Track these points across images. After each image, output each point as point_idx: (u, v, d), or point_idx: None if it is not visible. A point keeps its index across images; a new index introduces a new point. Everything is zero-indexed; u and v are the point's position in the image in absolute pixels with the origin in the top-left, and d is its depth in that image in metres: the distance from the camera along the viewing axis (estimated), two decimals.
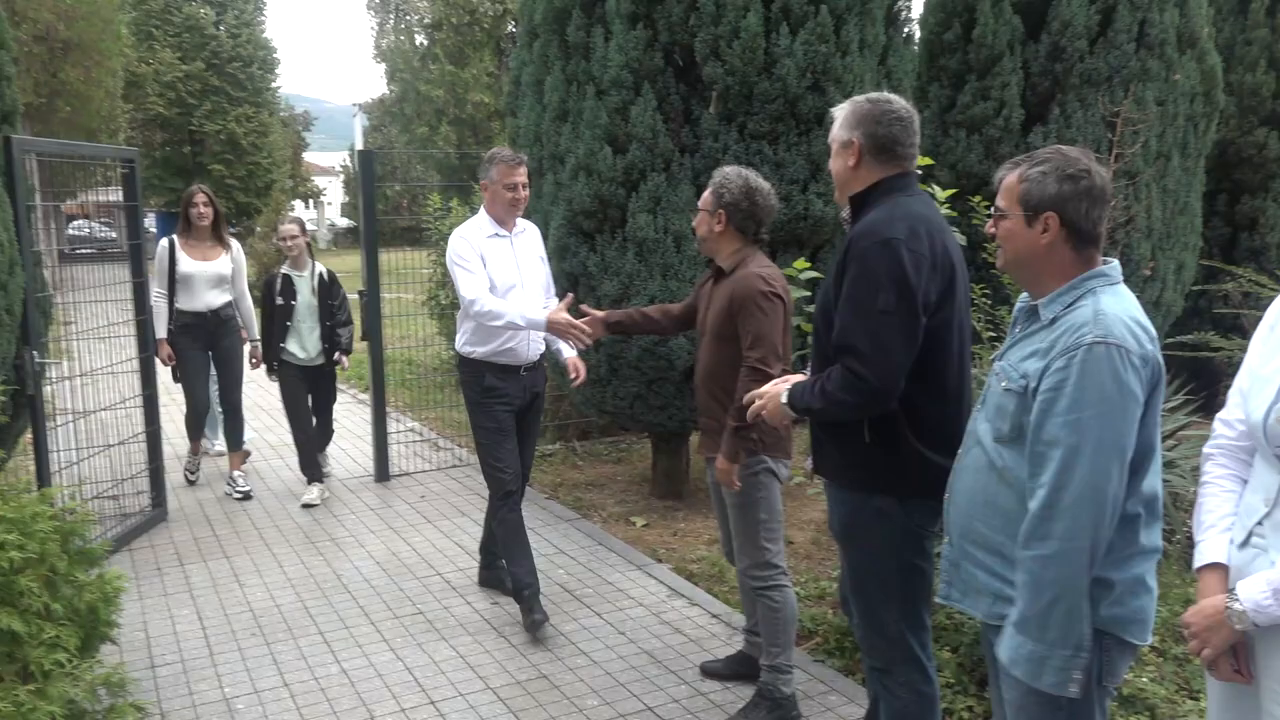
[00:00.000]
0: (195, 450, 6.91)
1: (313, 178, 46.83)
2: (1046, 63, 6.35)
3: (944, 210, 4.37)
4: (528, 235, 4.57)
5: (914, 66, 6.11)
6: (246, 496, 6.49)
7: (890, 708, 2.83)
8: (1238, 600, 1.87)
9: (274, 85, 35.91)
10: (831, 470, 2.80)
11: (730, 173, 3.55)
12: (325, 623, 4.55)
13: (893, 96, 2.68)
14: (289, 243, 6.20)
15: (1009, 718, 2.20)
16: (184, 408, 6.68)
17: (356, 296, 6.84)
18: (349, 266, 8.74)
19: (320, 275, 6.29)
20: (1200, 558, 2.04)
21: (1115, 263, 2.13)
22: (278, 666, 4.11)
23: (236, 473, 6.63)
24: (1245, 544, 1.95)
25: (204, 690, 3.91)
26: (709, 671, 3.98)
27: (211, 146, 33.60)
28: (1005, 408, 2.12)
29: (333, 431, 6.88)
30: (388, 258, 7.53)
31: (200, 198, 6.36)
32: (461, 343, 4.44)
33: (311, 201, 48.21)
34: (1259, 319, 2.13)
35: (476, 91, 33.28)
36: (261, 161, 34.21)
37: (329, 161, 56.72)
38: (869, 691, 3.17)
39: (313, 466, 6.48)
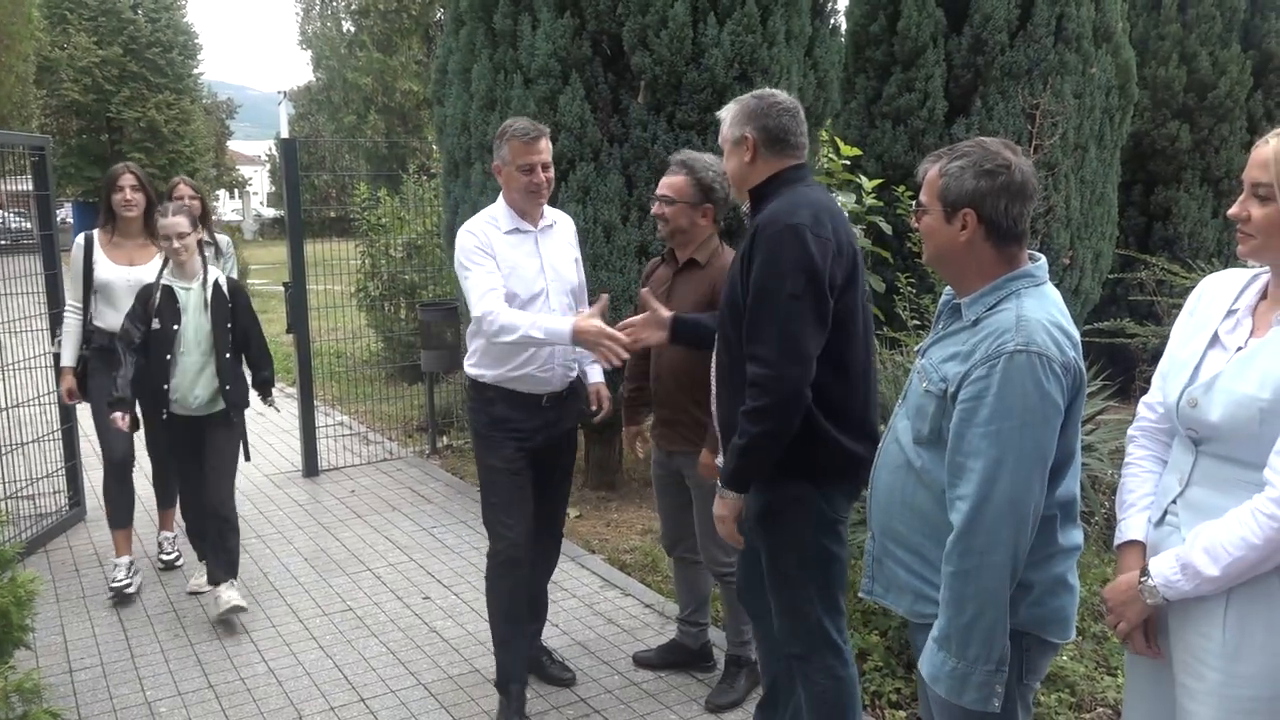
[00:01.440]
0: (169, 523, 5.20)
1: (237, 167, 45.77)
2: (969, 55, 6.47)
3: (870, 200, 4.44)
4: (559, 230, 3.62)
5: (840, 58, 6.17)
6: (170, 566, 5.10)
7: (810, 694, 2.86)
8: (1150, 576, 1.92)
9: (196, 71, 35.02)
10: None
11: (712, 162, 3.46)
12: (251, 622, 4.46)
13: (777, 91, 2.76)
14: (176, 244, 4.33)
15: (935, 715, 2.22)
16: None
17: (281, 289, 6.70)
18: (275, 257, 8.57)
19: (216, 286, 4.46)
20: (1120, 535, 2.09)
21: (1042, 261, 2.11)
22: (202, 667, 4.02)
23: (165, 534, 5.19)
24: (1161, 522, 2.01)
25: (125, 694, 3.81)
26: (642, 661, 3.99)
27: (131, 134, 32.65)
28: (925, 409, 2.10)
29: (232, 520, 4.54)
30: (315, 248, 7.39)
31: (127, 180, 4.81)
32: (470, 363, 3.56)
33: (237, 191, 47.14)
34: (1172, 305, 2.18)
35: (405, 79, 32.83)
36: (184, 150, 33.32)
37: (254, 150, 55.50)
38: (764, 678, 3.24)
39: (216, 557, 4.51)
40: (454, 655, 4.11)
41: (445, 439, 7.56)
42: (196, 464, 4.52)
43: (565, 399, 3.59)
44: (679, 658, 3.95)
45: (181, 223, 4.34)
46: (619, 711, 3.63)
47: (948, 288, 2.26)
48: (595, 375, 3.78)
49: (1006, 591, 1.97)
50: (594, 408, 3.75)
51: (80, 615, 4.53)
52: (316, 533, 5.66)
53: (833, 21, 6.02)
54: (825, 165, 4.79)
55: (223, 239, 5.34)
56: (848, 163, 4.54)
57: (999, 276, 2.06)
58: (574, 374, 3.61)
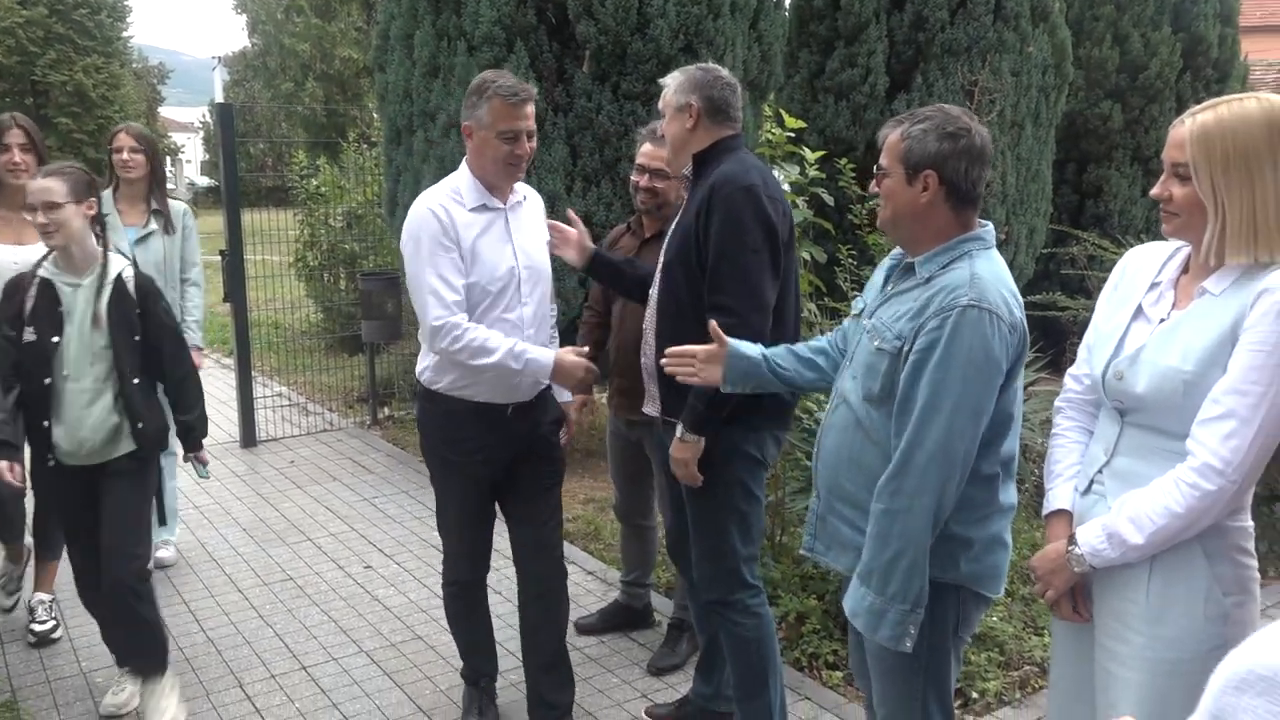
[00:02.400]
0: (18, 555, 4.14)
1: (169, 134, 44.58)
2: (910, 32, 6.54)
3: (813, 172, 4.48)
4: (529, 207, 3.10)
5: (784, 31, 6.21)
6: (44, 640, 3.88)
7: (733, 636, 2.97)
8: (1077, 545, 1.96)
9: (125, 35, 33.90)
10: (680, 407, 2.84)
11: None
12: (190, 592, 4.41)
13: (718, 66, 2.92)
14: (42, 218, 3.07)
15: (870, 666, 2.30)
16: None
17: (219, 257, 6.58)
18: (211, 227, 8.37)
19: (119, 284, 3.21)
20: (1049, 504, 2.14)
21: (989, 226, 2.18)
22: None
23: (41, 596, 3.97)
24: (1087, 491, 2.05)
25: (59, 665, 3.76)
26: (583, 628, 4.04)
27: (57, 99, 31.53)
28: (876, 367, 2.15)
29: (142, 593, 3.30)
30: (252, 217, 7.25)
31: (14, 136, 3.83)
32: (420, 366, 3.05)
33: (169, 159, 45.95)
34: (1102, 280, 2.23)
35: (344, 47, 32.19)
36: (113, 115, 32.21)
37: (187, 117, 54.06)
38: (701, 637, 3.35)
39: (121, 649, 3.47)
40: (396, 623, 4.12)
41: (386, 410, 7.51)
42: (90, 528, 3.26)
43: (534, 407, 3.09)
44: (621, 620, 4.01)
45: (52, 188, 3.05)
46: None
47: (890, 253, 2.33)
48: (563, 395, 3.29)
49: (929, 535, 2.05)
50: (562, 434, 3.28)
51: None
52: (255, 503, 5.60)
53: None
54: (769, 137, 4.81)
55: (177, 207, 4.41)
56: (792, 135, 4.57)
57: (953, 238, 2.13)
58: (545, 382, 3.09)
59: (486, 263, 2.89)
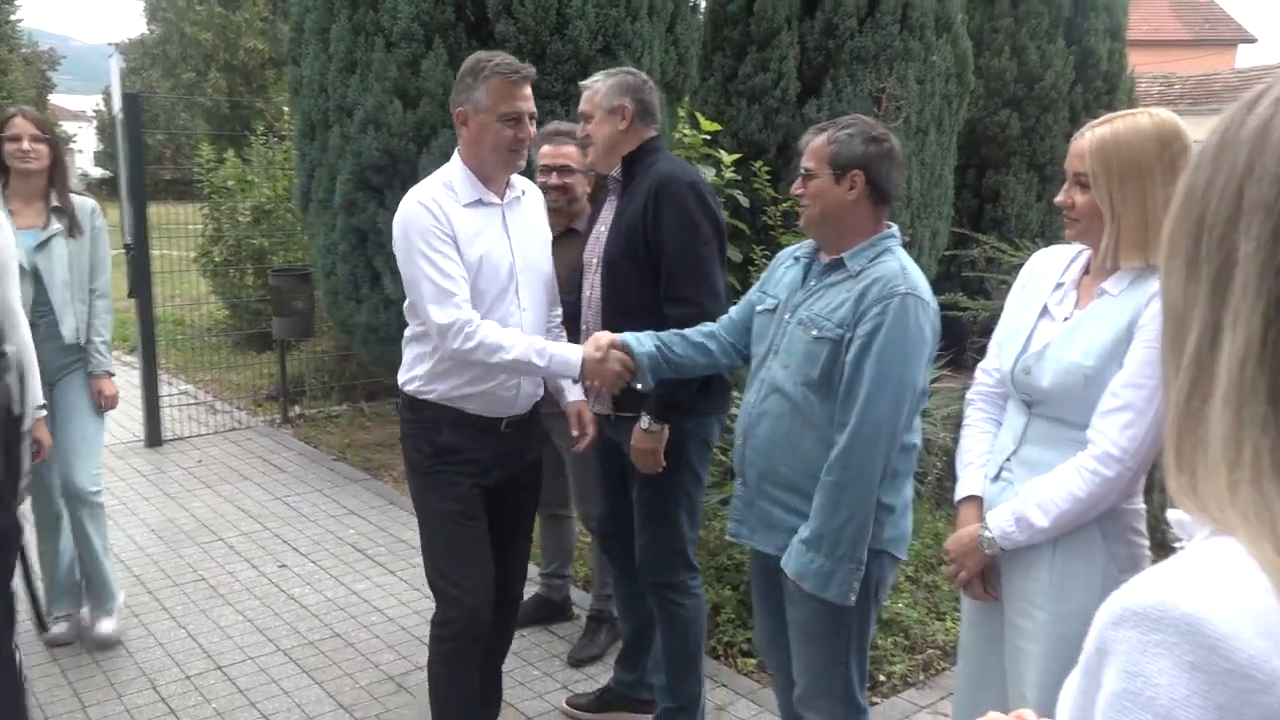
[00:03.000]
0: None
1: (61, 123, 42.80)
2: (820, 39, 6.72)
3: (729, 174, 4.60)
4: (528, 202, 2.86)
5: (699, 35, 6.33)
6: None
7: (674, 617, 3.08)
8: (988, 528, 2.10)
9: (14, 18, 32.43)
10: (640, 401, 2.92)
11: None
12: None
13: (640, 71, 3.08)
14: None
15: (796, 638, 2.43)
16: None
17: (123, 251, 6.41)
18: (108, 220, 8.12)
19: None
20: (960, 491, 2.27)
21: (895, 226, 2.43)
22: (43, 641, 3.87)
23: None
24: (997, 478, 2.18)
25: None
26: None
27: None
28: (816, 355, 2.32)
29: None
30: (152, 211, 7.07)
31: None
32: (407, 374, 2.76)
33: None
34: (1000, 281, 2.41)
35: (249, 37, 31.34)
36: (1, 102, 30.95)
37: (79, 105, 51.95)
38: (625, 628, 3.45)
39: None
40: (314, 621, 4.09)
41: (298, 408, 7.40)
42: None
43: (528, 423, 2.87)
44: (541, 613, 4.06)
45: None
46: None
47: (789, 252, 2.56)
48: (574, 393, 2.98)
49: (874, 500, 2.26)
50: (575, 432, 2.97)
51: None
52: (163, 503, 5.48)
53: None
54: (685, 139, 4.91)
55: (84, 204, 3.81)
56: (707, 137, 4.69)
57: (874, 234, 2.37)
58: (540, 392, 2.91)
59: (482, 264, 2.63)
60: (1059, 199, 2.09)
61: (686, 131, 4.99)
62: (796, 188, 2.41)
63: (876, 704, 3.44)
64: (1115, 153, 1.95)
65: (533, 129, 2.69)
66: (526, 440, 2.89)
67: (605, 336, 2.63)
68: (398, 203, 5.17)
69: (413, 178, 5.30)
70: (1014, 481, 2.13)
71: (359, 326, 5.74)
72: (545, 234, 2.92)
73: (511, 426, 2.80)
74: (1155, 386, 1.89)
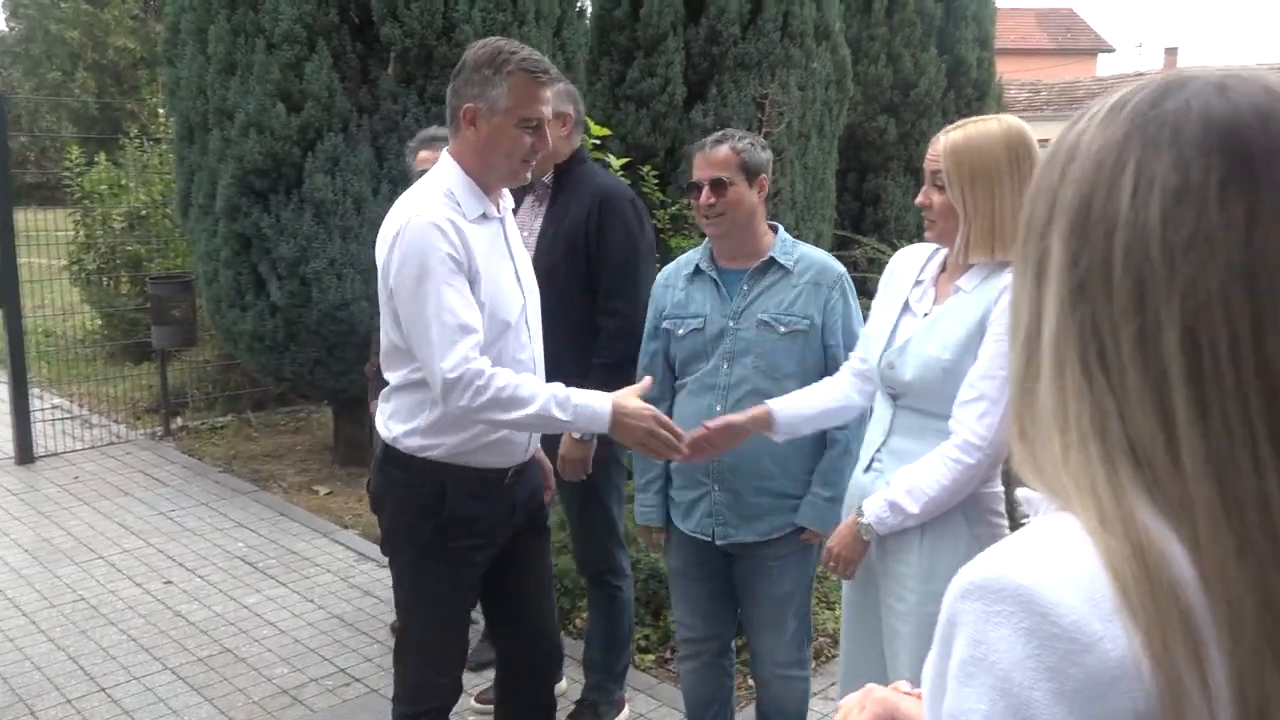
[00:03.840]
0: None
1: None
2: (705, 45, 6.85)
3: (620, 177, 4.66)
4: (509, 214, 2.52)
5: (586, 40, 6.39)
6: None
7: (614, 600, 3.27)
8: (864, 516, 2.20)
9: None
10: None
11: None
12: None
13: None
14: None
15: (774, 613, 2.71)
16: None
17: None
18: None
19: None
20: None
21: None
22: None
23: None
24: (868, 469, 2.30)
25: None
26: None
27: None
28: (790, 348, 2.54)
29: None
30: (18, 217, 6.75)
31: None
32: (403, 429, 2.32)
33: None
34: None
35: (119, 35, 30.07)
36: None
37: None
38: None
39: None
40: (203, 638, 3.99)
41: (180, 419, 7.17)
42: None
43: (529, 469, 2.53)
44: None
45: None
46: (380, 678, 3.68)
47: (689, 273, 2.67)
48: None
49: None
50: (552, 486, 2.70)
51: None
52: (37, 522, 5.25)
53: (579, 4, 6.21)
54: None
55: None
56: (597, 142, 4.74)
57: (772, 233, 2.63)
58: (594, 434, 2.68)
59: (497, 288, 2.29)
60: (919, 199, 2.22)
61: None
62: (706, 198, 2.52)
63: None
64: (967, 155, 2.06)
65: (549, 142, 2.35)
66: (532, 487, 2.55)
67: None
68: (284, 209, 5.23)
69: (298, 182, 5.23)
70: (884, 471, 2.24)
71: (244, 334, 5.60)
72: (526, 249, 2.60)
73: (515, 475, 2.42)
74: (1007, 376, 2.00)
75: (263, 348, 5.59)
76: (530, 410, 2.17)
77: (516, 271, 2.39)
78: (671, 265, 2.79)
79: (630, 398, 2.27)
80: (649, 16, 6.75)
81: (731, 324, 2.59)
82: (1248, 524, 0.66)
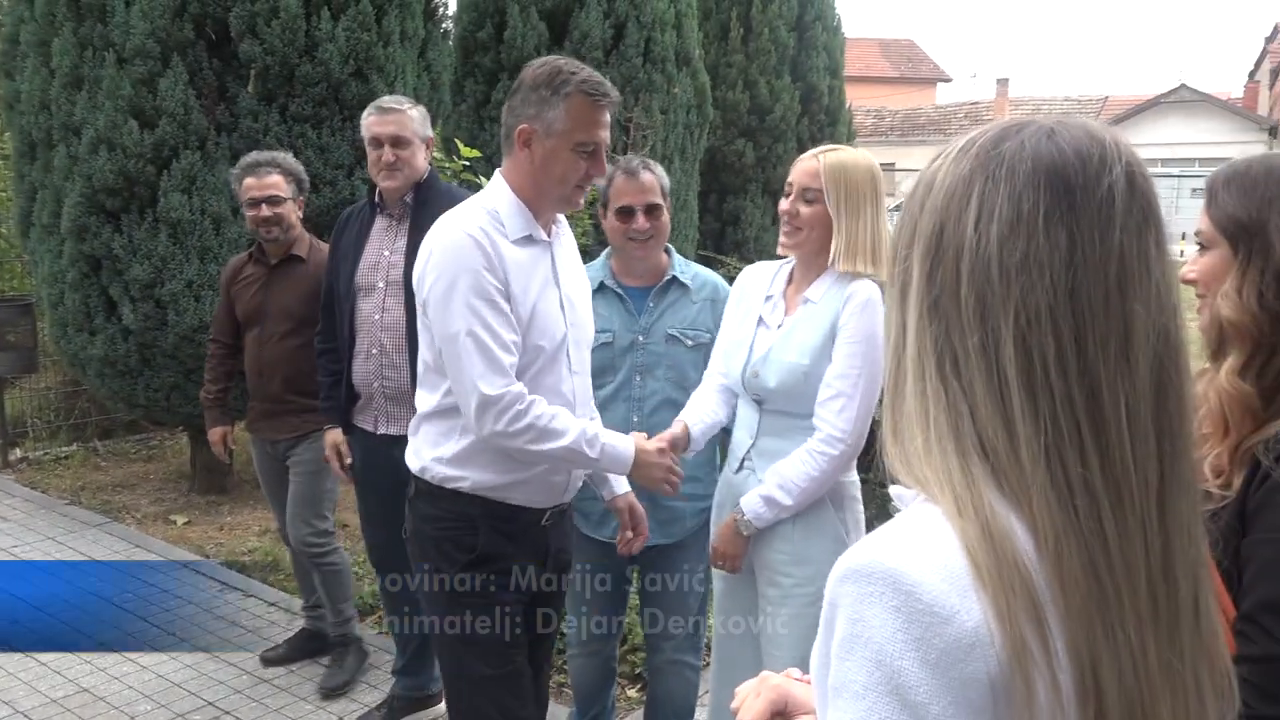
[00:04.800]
0: None
1: None
2: None
3: None
4: (567, 241, 2.41)
5: (451, 61, 6.40)
6: None
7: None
8: (743, 512, 2.39)
9: None
10: None
11: (284, 157, 3.66)
12: None
13: None
14: None
15: (688, 602, 2.87)
16: None
17: None
18: None
19: None
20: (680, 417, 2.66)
21: None
22: None
23: None
24: (740, 469, 2.50)
25: None
26: (270, 659, 3.95)
27: None
28: (696, 360, 2.74)
29: None
30: None
31: None
32: (430, 455, 2.24)
33: None
34: None
35: None
36: None
37: None
38: (401, 639, 3.52)
39: None
40: (57, 678, 3.80)
41: (19, 450, 6.76)
42: None
43: (566, 514, 2.43)
44: (312, 645, 3.97)
45: None
46: (251, 709, 3.59)
47: (597, 280, 2.79)
48: (620, 485, 2.48)
49: None
50: (629, 532, 2.49)
51: None
52: None
53: (444, 26, 6.22)
54: (443, 166, 4.97)
55: None
56: (467, 164, 4.76)
57: (665, 254, 2.84)
58: (617, 476, 2.43)
59: (534, 318, 2.18)
60: (784, 207, 2.44)
61: (442, 158, 5.05)
62: (644, 222, 2.69)
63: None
64: (844, 176, 2.34)
65: (605, 165, 2.26)
66: (565, 531, 2.44)
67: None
68: (137, 229, 5.05)
69: (152, 201, 5.06)
70: (756, 470, 2.44)
71: (93, 359, 5.36)
72: (586, 280, 2.49)
73: (553, 518, 2.33)
74: (859, 373, 2.27)
75: (114, 373, 5.36)
76: (562, 443, 2.11)
77: (562, 300, 2.27)
78: None
79: (648, 443, 2.27)
80: (513, 39, 6.82)
81: (641, 338, 2.76)
82: (1076, 506, 0.78)
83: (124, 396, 5.52)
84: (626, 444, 2.23)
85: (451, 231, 2.13)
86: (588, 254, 3.76)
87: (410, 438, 2.31)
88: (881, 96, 32.55)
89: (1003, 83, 32.89)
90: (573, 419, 2.17)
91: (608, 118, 2.17)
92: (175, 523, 5.58)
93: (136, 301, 5.13)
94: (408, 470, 2.72)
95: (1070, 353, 0.79)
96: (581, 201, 2.27)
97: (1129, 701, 0.78)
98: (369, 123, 3.11)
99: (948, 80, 38.87)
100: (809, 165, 2.38)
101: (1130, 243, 0.81)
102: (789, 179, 2.43)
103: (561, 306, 2.26)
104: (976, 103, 32.56)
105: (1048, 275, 0.79)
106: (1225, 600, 1.24)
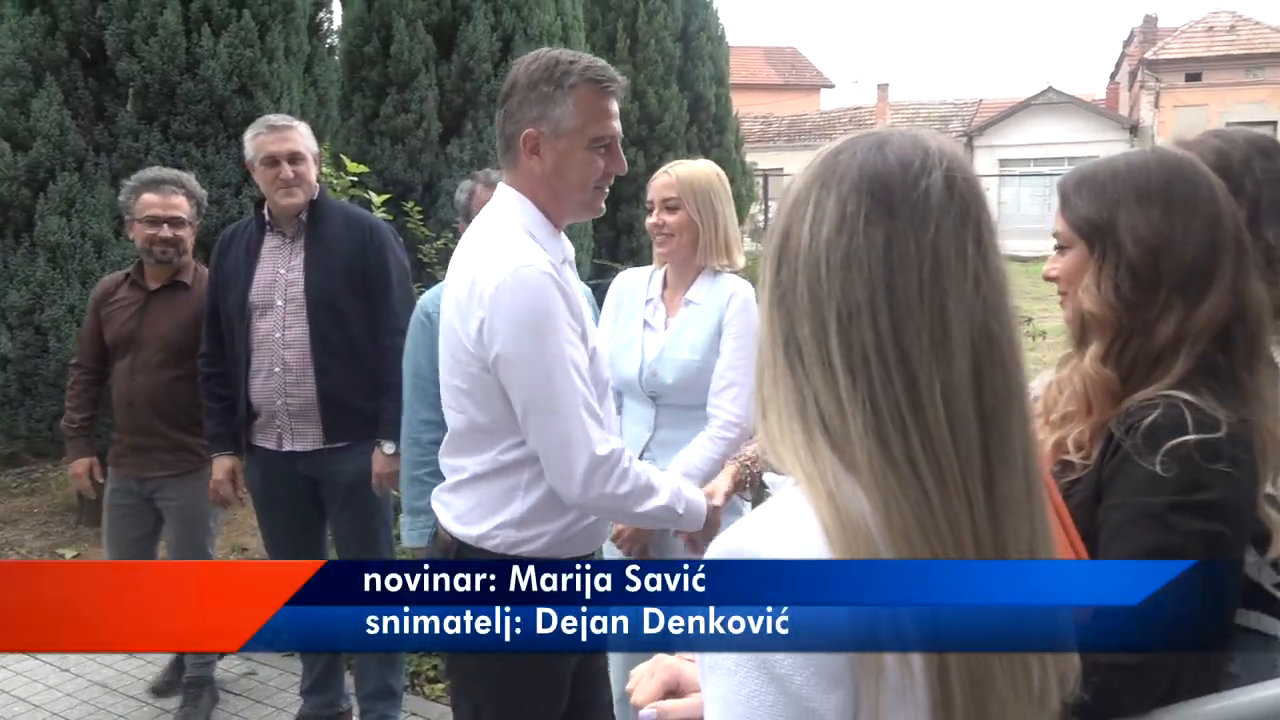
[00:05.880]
0: None
1: None
2: (458, 81, 6.96)
3: (381, 214, 4.69)
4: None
5: (337, 76, 6.35)
6: None
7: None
8: None
9: None
10: (355, 429, 3.14)
11: (188, 179, 3.57)
12: None
13: None
14: None
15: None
16: None
17: None
18: None
19: None
20: None
21: None
22: None
23: None
24: (640, 459, 2.54)
25: None
26: (160, 689, 3.85)
27: None
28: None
29: None
30: None
31: None
32: (491, 525, 1.93)
33: None
34: None
35: None
36: None
37: None
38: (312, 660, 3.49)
39: None
40: None
41: None
42: None
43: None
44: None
45: None
46: None
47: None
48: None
49: None
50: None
51: None
52: None
53: (329, 41, 6.18)
54: (332, 182, 4.94)
55: None
56: (355, 179, 4.75)
57: None
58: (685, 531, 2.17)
59: (598, 351, 2.00)
60: (651, 222, 2.67)
61: (329, 173, 5.02)
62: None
63: None
64: (695, 181, 2.61)
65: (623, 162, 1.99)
66: None
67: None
68: (12, 254, 4.90)
69: (28, 225, 4.91)
70: (657, 459, 2.58)
71: None
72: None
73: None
74: (748, 364, 2.45)
75: None
76: (658, 502, 1.90)
77: (594, 327, 2.06)
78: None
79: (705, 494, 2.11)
80: (400, 53, 6.79)
81: None
82: (901, 476, 0.86)
83: (4, 428, 5.32)
84: (700, 497, 2.04)
85: (525, 269, 1.81)
86: None
87: (443, 505, 2.03)
88: (767, 103, 33.22)
89: (883, 88, 33.96)
90: (658, 472, 1.98)
91: (617, 106, 1.96)
92: (64, 556, 5.39)
93: (15, 329, 4.96)
94: (314, 483, 2.69)
95: (888, 343, 0.87)
96: (603, 206, 2.05)
97: (969, 665, 0.86)
98: (261, 141, 3.06)
99: (831, 86, 39.87)
100: (664, 180, 2.64)
101: (945, 242, 0.88)
102: (649, 197, 2.69)
103: (595, 334, 2.04)
104: (859, 108, 33.51)
105: (866, 271, 0.88)
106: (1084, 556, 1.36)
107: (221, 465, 3.24)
